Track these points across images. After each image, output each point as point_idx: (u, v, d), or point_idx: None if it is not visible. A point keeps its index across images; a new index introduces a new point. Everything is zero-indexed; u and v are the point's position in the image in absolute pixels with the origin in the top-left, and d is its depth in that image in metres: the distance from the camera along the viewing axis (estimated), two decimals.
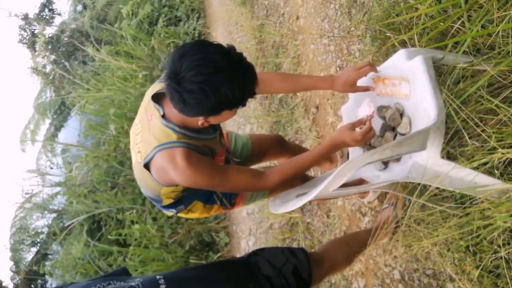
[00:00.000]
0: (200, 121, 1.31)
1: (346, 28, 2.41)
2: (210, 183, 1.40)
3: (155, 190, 1.56)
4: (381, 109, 1.47)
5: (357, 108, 1.61)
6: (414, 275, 1.77)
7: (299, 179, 1.89)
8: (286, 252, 1.49)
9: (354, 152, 1.59)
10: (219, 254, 3.96)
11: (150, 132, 1.42)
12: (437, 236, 1.46)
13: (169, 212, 1.75)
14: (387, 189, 1.44)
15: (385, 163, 1.46)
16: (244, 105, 1.29)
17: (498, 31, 1.27)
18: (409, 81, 1.36)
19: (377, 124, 1.53)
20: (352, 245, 1.72)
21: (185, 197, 1.66)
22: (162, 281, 1.20)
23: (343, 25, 2.47)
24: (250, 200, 1.82)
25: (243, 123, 4.05)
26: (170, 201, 1.64)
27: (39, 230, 7.08)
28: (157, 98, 1.45)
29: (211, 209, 1.75)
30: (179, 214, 1.74)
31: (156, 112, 1.42)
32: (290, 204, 1.22)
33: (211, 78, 1.15)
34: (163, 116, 1.39)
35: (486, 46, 1.40)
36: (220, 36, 5.18)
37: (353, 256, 1.68)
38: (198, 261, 3.91)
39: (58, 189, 6.17)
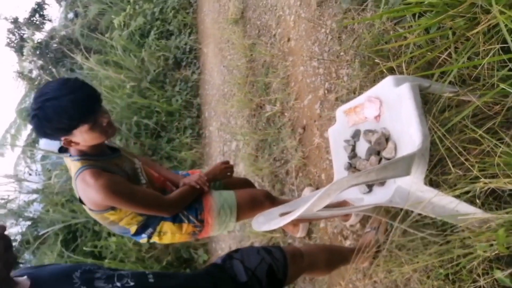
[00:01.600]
0: (62, 141, 1.49)
1: (336, 52, 2.45)
2: (121, 197, 1.54)
3: (109, 221, 1.68)
4: (367, 133, 1.48)
5: (345, 130, 1.63)
6: None
7: (268, 203, 1.90)
8: (261, 252, 1.46)
9: (340, 174, 1.60)
10: None
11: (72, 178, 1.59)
12: (418, 262, 1.46)
13: (143, 240, 1.80)
14: (370, 213, 1.44)
15: (370, 187, 1.47)
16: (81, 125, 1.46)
17: (484, 63, 1.30)
18: (381, 101, 1.40)
19: (362, 147, 1.54)
20: (334, 254, 1.73)
21: (150, 220, 1.74)
22: (150, 276, 1.21)
23: (333, 49, 2.51)
24: (218, 217, 1.84)
25: (229, 139, 4.04)
26: (135, 228, 1.73)
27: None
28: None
29: (181, 228, 1.77)
30: (154, 239, 1.79)
31: (68, 159, 1.59)
32: (274, 222, 1.21)
33: (43, 105, 1.38)
34: (70, 155, 1.57)
35: (472, 78, 1.44)
36: (211, 52, 5.22)
37: (333, 265, 1.68)
38: None
39: (35, 196, 6.02)
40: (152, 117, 5.09)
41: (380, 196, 1.39)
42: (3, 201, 6.74)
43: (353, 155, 1.58)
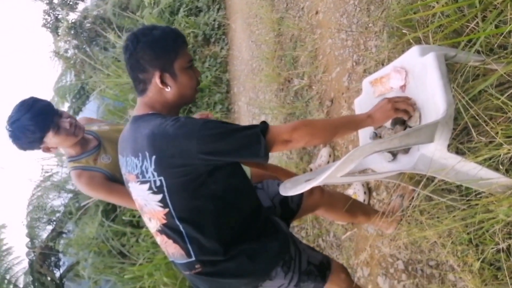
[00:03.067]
0: (42, 149, 1.73)
1: (364, 24, 2.45)
2: (99, 193, 1.78)
3: None
4: None
5: (370, 100, 1.67)
6: (418, 266, 1.82)
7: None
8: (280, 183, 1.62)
9: (364, 141, 1.65)
10: None
11: None
12: (441, 227, 1.51)
13: None
14: (394, 180, 1.50)
15: (394, 155, 1.51)
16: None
17: (511, 31, 1.30)
18: (407, 71, 1.42)
19: None
20: (356, 205, 1.83)
21: None
22: None
23: (361, 21, 2.51)
24: None
25: (258, 113, 4.12)
26: None
27: (56, 209, 7.29)
28: None
29: None
30: None
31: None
32: (300, 187, 1.29)
33: (11, 128, 1.64)
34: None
35: (499, 46, 1.44)
36: (239, 27, 5.24)
37: (353, 213, 1.77)
38: None
39: None
40: None
41: (404, 163, 1.44)
42: (46, 175, 7.13)
43: None
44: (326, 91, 2.87)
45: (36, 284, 7.09)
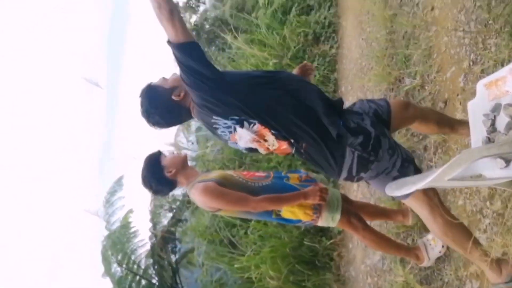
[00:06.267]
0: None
1: (484, 21, 2.31)
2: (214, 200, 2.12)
3: None
4: (507, 108, 1.45)
5: (484, 104, 1.61)
6: None
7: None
8: (370, 102, 1.90)
9: (475, 144, 1.60)
10: (331, 241, 4.10)
11: None
12: None
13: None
14: (506, 187, 1.43)
15: (507, 162, 1.44)
16: None
17: None
18: None
19: (502, 122, 1.51)
20: (445, 119, 2.19)
21: None
22: None
23: (480, 18, 2.36)
24: (327, 206, 2.26)
25: None
26: None
27: (176, 197, 8.01)
28: None
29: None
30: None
31: None
32: (405, 188, 1.32)
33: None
34: None
35: None
36: (350, 25, 5.21)
37: (441, 126, 2.10)
38: (311, 243, 4.10)
39: (193, 163, 6.90)
40: None
41: None
42: None
43: (492, 129, 1.55)
44: (439, 91, 2.76)
45: (155, 266, 7.74)
